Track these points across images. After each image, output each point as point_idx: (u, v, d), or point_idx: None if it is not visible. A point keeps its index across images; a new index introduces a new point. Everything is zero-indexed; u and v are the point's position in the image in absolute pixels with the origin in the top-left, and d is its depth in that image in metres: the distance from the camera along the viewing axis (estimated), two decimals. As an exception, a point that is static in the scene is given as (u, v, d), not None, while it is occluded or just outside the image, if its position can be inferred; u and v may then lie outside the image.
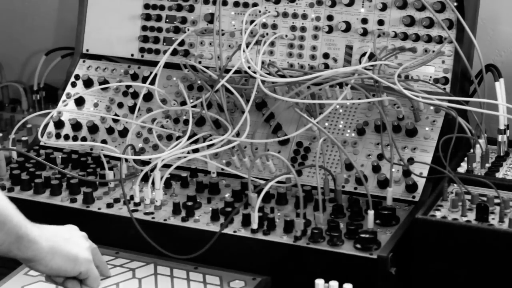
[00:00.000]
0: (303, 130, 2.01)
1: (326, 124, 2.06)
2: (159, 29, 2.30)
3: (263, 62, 2.16)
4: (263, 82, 2.01)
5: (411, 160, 1.94)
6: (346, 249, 1.73)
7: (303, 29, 2.17)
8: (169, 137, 2.15)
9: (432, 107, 2.01)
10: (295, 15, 2.17)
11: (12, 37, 2.82)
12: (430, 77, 2.05)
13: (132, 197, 1.94)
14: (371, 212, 1.78)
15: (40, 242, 1.56)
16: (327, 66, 2.14)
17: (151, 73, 2.20)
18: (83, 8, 2.38)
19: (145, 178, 1.96)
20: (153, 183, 1.94)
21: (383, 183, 1.92)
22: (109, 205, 1.93)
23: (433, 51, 2.05)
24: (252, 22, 2.19)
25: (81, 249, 1.63)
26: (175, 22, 2.29)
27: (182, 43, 2.26)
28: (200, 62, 2.23)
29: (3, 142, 2.32)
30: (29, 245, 1.55)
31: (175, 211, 1.89)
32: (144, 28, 2.32)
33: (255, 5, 2.21)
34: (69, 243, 1.62)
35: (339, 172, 1.95)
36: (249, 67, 2.03)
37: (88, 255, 1.64)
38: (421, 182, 1.91)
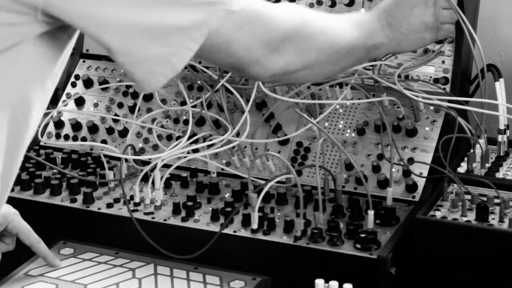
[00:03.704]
0: (303, 130, 2.01)
1: (326, 124, 2.06)
2: (159, 29, 2.29)
3: (263, 62, 2.16)
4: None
5: (411, 160, 1.94)
6: (346, 249, 1.73)
7: (303, 29, 2.16)
8: (169, 137, 2.15)
9: (432, 107, 2.01)
10: (295, 15, 2.17)
11: (12, 37, 2.81)
12: (430, 77, 2.05)
13: (132, 197, 1.94)
14: (371, 212, 1.78)
15: None
16: (327, 66, 2.14)
17: (151, 73, 2.19)
18: (83, 8, 2.37)
19: (145, 178, 1.96)
20: (153, 183, 1.94)
21: (383, 183, 1.92)
22: (109, 205, 1.93)
23: (433, 51, 2.04)
24: (252, 22, 2.18)
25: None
26: (175, 22, 2.28)
27: (182, 43, 2.26)
28: (200, 62, 2.22)
29: (3, 142, 2.31)
30: None
31: (175, 211, 1.89)
32: (144, 28, 2.31)
33: (255, 5, 2.20)
34: None
35: (339, 172, 1.95)
36: (249, 67, 2.02)
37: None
38: (421, 182, 1.91)
